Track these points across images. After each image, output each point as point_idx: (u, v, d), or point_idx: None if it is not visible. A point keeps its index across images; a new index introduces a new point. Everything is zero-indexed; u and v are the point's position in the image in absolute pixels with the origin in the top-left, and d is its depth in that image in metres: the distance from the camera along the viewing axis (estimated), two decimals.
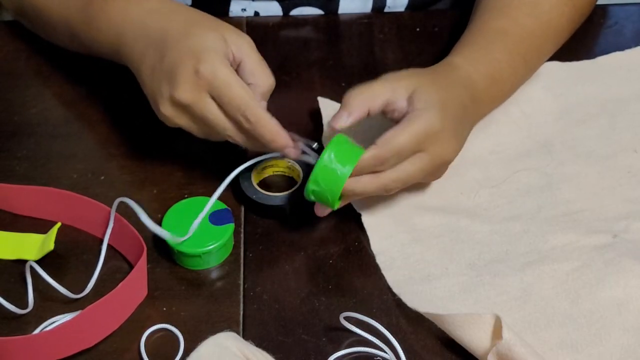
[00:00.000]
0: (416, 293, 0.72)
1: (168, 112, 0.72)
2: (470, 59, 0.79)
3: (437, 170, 0.74)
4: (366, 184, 0.70)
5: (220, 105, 0.70)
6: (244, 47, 0.73)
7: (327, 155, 0.69)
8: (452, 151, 0.73)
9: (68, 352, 0.68)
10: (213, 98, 0.70)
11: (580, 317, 0.69)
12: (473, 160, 0.82)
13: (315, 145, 0.73)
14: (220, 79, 0.69)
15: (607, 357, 0.67)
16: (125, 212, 0.74)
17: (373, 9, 0.97)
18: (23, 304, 0.70)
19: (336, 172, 0.69)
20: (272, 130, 0.70)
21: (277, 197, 0.77)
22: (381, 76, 0.74)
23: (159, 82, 0.72)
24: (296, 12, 0.97)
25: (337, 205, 0.72)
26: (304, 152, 0.73)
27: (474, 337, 0.66)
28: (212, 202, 0.72)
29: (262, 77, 0.73)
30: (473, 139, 0.78)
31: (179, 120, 0.73)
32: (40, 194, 0.77)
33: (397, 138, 0.70)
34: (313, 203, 0.75)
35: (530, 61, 0.85)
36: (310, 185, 0.70)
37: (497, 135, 0.84)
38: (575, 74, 0.88)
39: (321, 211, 0.74)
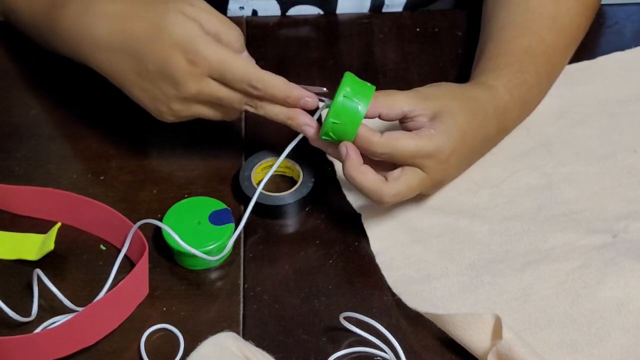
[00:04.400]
0: (416, 293, 0.72)
1: (177, 107, 0.73)
2: (506, 83, 0.78)
3: (432, 189, 0.75)
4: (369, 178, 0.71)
5: (224, 84, 0.71)
6: (201, 15, 0.71)
7: (344, 91, 0.70)
8: (452, 176, 0.76)
9: (68, 350, 0.68)
10: (216, 79, 0.71)
11: (580, 317, 0.69)
12: None
13: (325, 89, 0.73)
14: (213, 61, 0.69)
15: (607, 357, 0.67)
16: (126, 209, 0.74)
17: (371, 7, 0.97)
18: (24, 307, 0.69)
19: (357, 107, 0.70)
20: (282, 87, 0.71)
21: (277, 197, 0.77)
22: (420, 87, 0.75)
23: (153, 86, 0.72)
24: (294, 10, 0.96)
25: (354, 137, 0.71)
26: (321, 100, 0.72)
27: (474, 337, 0.66)
28: (251, 206, 0.74)
29: (230, 35, 0.72)
30: None
31: (190, 111, 0.73)
32: (40, 194, 0.77)
33: (402, 142, 0.70)
34: (313, 201, 0.75)
35: (553, 78, 0.85)
36: (332, 112, 0.70)
37: None
38: (575, 74, 0.88)
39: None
